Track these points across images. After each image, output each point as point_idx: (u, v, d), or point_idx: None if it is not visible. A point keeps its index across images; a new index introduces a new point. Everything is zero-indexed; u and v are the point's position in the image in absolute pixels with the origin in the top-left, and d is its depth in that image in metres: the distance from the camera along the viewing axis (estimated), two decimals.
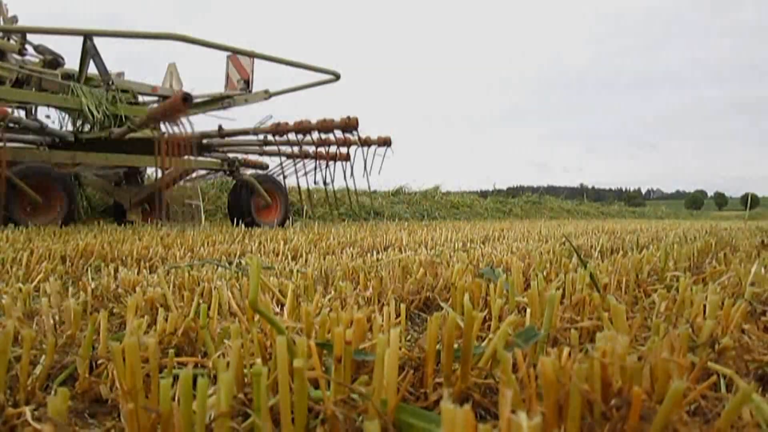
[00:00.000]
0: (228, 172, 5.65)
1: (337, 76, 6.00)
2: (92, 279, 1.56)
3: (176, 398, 0.58)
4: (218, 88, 6.03)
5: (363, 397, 0.60)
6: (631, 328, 0.87)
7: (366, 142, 5.30)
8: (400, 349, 0.70)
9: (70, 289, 1.37)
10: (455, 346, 0.72)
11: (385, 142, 5.38)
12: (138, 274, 1.67)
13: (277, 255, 2.44)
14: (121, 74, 5.81)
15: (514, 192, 17.50)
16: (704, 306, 1.00)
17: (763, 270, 1.43)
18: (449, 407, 0.42)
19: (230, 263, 1.96)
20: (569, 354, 0.64)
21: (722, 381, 0.77)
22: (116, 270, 1.74)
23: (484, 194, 14.17)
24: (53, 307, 1.07)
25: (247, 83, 5.91)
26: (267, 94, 6.04)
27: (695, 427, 0.53)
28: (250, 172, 5.95)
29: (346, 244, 2.98)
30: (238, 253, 2.45)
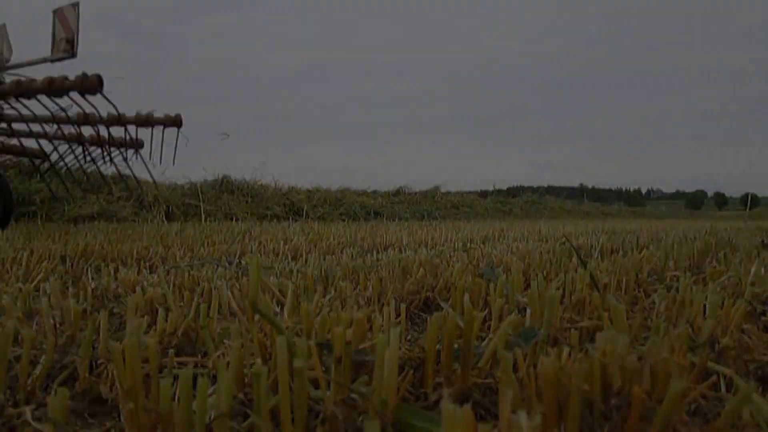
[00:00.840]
0: None
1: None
2: (92, 279, 1.56)
3: (176, 398, 0.58)
4: (47, 51, 4.47)
5: (363, 397, 0.60)
6: (631, 328, 0.87)
7: (111, 144, 4.50)
8: (400, 349, 0.70)
9: (70, 289, 1.37)
10: (455, 346, 0.72)
11: (135, 145, 4.64)
12: (138, 274, 1.67)
13: (277, 255, 2.44)
14: None
15: (514, 192, 17.49)
16: (704, 306, 1.00)
17: (763, 270, 1.43)
18: (449, 407, 0.42)
19: (230, 263, 1.96)
20: (569, 354, 0.64)
21: (722, 381, 0.77)
22: (116, 270, 1.74)
23: (484, 194, 14.15)
24: (53, 307, 1.07)
25: (71, 44, 4.17)
26: None
27: (695, 427, 0.53)
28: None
29: (346, 244, 2.99)
30: (238, 253, 2.45)
